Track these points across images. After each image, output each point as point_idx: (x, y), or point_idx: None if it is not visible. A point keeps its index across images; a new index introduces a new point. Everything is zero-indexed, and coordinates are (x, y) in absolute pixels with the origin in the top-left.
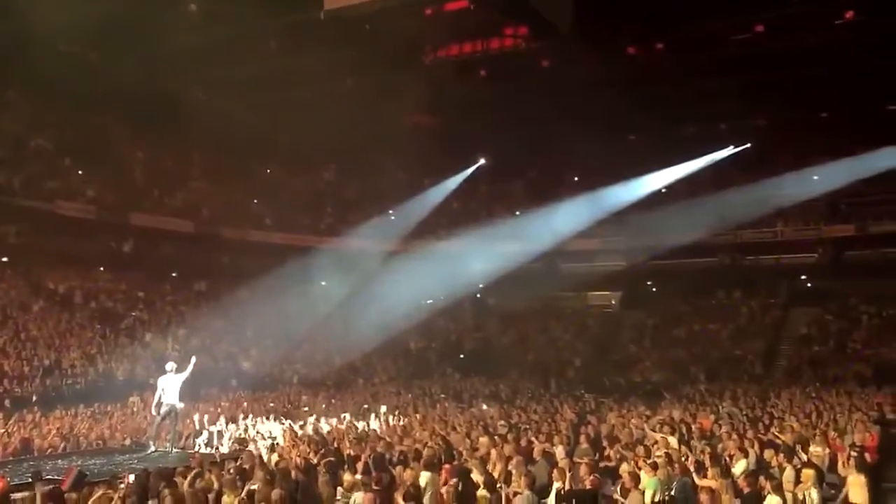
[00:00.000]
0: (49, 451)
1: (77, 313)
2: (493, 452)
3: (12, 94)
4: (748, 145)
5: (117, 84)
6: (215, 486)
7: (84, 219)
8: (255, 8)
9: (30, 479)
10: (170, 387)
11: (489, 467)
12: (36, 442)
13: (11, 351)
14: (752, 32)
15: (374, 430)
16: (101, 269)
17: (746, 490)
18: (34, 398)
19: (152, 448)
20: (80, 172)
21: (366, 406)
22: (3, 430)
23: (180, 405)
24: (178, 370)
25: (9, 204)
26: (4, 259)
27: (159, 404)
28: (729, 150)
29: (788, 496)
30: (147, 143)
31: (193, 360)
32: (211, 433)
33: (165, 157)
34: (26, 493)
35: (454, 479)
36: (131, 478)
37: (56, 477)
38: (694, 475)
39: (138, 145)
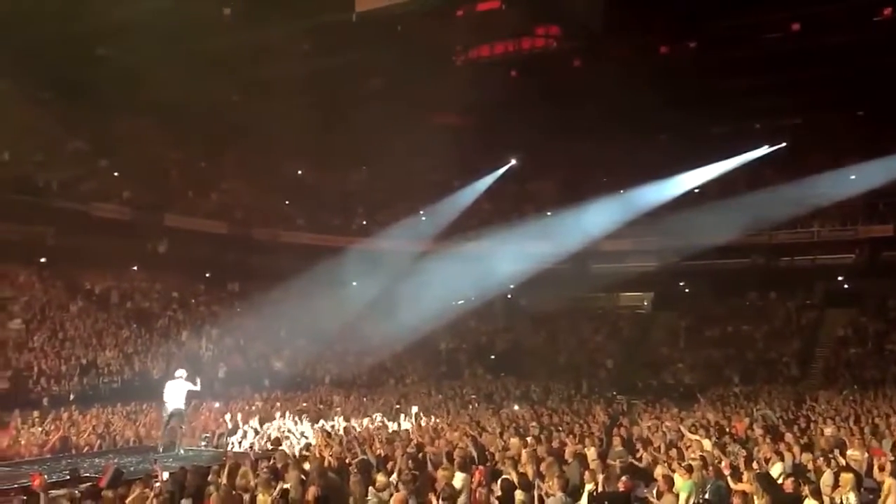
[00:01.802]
0: (86, 448)
1: (113, 313)
2: (524, 454)
3: (50, 96)
4: (783, 144)
5: (152, 86)
6: (250, 484)
7: (119, 220)
8: (287, 10)
9: (68, 477)
10: (176, 392)
11: (521, 468)
12: (73, 440)
13: (49, 350)
14: (788, 30)
15: (406, 431)
16: (137, 269)
17: (788, 491)
18: (71, 396)
19: (180, 450)
20: (115, 174)
21: (397, 406)
22: (41, 429)
23: (184, 408)
24: (187, 379)
25: (46, 205)
26: (42, 260)
27: (165, 409)
28: (763, 150)
29: (826, 500)
30: (181, 144)
31: (199, 381)
32: (244, 432)
33: (199, 158)
34: (64, 491)
35: (486, 482)
36: (165, 475)
37: (93, 474)
38: (729, 478)
39: (172, 147)
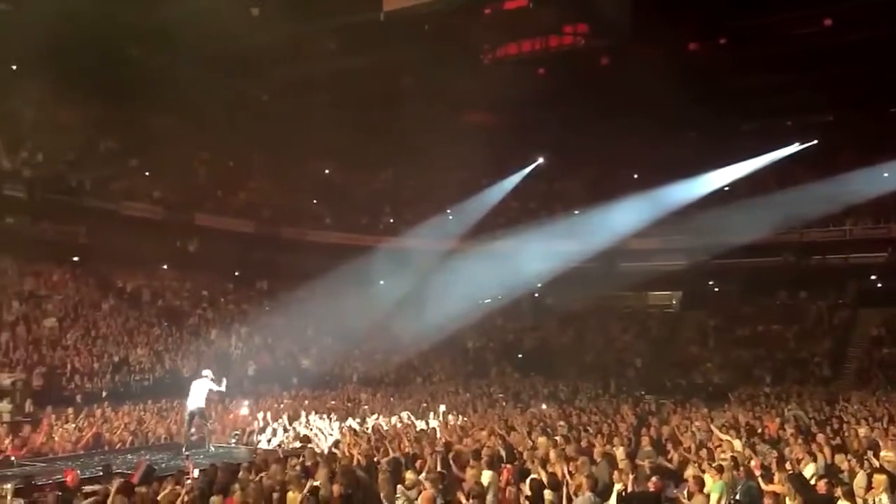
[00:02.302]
0: (119, 445)
1: (144, 311)
2: (552, 453)
3: (81, 97)
4: (814, 142)
5: (181, 86)
6: (279, 482)
7: (150, 219)
8: (315, 9)
9: (101, 473)
10: (199, 390)
11: (549, 467)
12: (106, 436)
13: (82, 348)
14: (819, 26)
15: (434, 429)
16: (167, 268)
17: (821, 493)
18: (104, 394)
19: (210, 447)
20: (146, 174)
21: (424, 405)
22: (74, 425)
23: (203, 406)
24: (213, 379)
25: (78, 205)
26: (75, 259)
27: (186, 407)
28: (794, 147)
29: (859, 502)
30: (210, 144)
31: (225, 382)
32: (274, 430)
33: (228, 158)
34: (98, 487)
35: (515, 481)
36: (196, 472)
37: (126, 471)
38: (760, 479)
39: (202, 147)
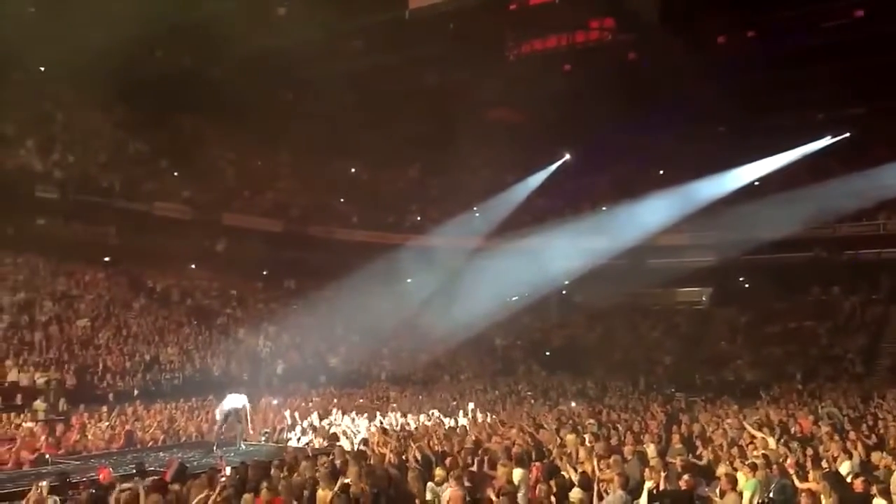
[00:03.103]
0: (151, 443)
1: (174, 310)
2: (582, 450)
3: (112, 100)
4: (847, 135)
5: (209, 87)
6: (309, 479)
7: (179, 219)
8: (341, 8)
9: (134, 471)
10: (233, 401)
11: (579, 465)
12: (138, 434)
13: (114, 347)
14: (851, 17)
15: (463, 427)
16: (196, 267)
17: (858, 491)
18: (135, 392)
19: (241, 445)
20: (175, 174)
21: (453, 403)
22: (107, 423)
23: (240, 408)
24: (245, 401)
25: (110, 206)
26: (106, 259)
27: (222, 408)
28: (826, 141)
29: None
30: (237, 144)
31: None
32: (304, 428)
33: (255, 158)
34: (131, 484)
35: (544, 478)
36: (228, 470)
37: (158, 468)
38: (794, 477)
39: (229, 147)
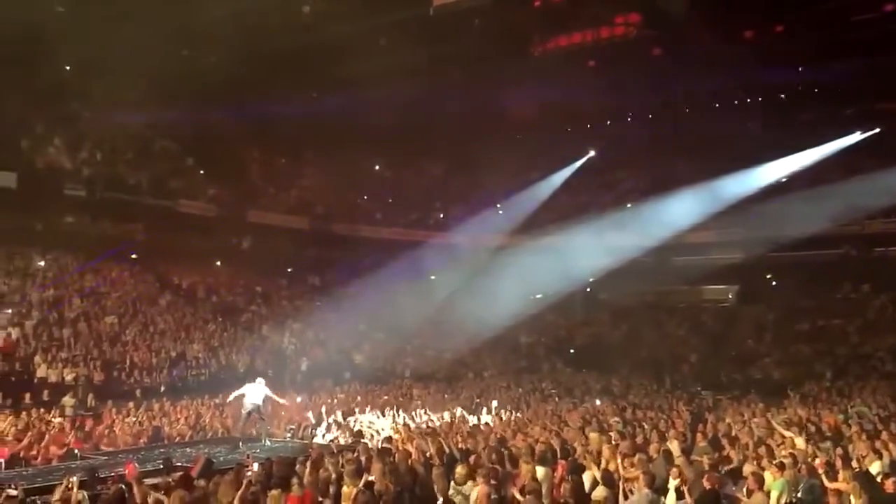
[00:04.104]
0: (177, 438)
1: (200, 307)
2: (606, 449)
3: (139, 98)
4: (876, 130)
5: (234, 86)
6: (333, 476)
7: (205, 216)
8: (365, 7)
9: (161, 466)
10: (254, 392)
11: (602, 464)
12: (165, 430)
13: (141, 343)
14: (879, 11)
15: (487, 425)
16: (221, 264)
17: (890, 491)
18: (162, 388)
19: (266, 441)
20: (201, 172)
21: (477, 400)
22: (135, 419)
23: (262, 405)
24: (266, 386)
25: (137, 203)
26: (133, 256)
27: (244, 405)
28: (855, 136)
29: None
30: (262, 142)
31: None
32: (328, 425)
33: (280, 156)
34: (159, 480)
35: (569, 477)
36: (256, 466)
37: (185, 464)
38: (823, 477)
39: (254, 145)
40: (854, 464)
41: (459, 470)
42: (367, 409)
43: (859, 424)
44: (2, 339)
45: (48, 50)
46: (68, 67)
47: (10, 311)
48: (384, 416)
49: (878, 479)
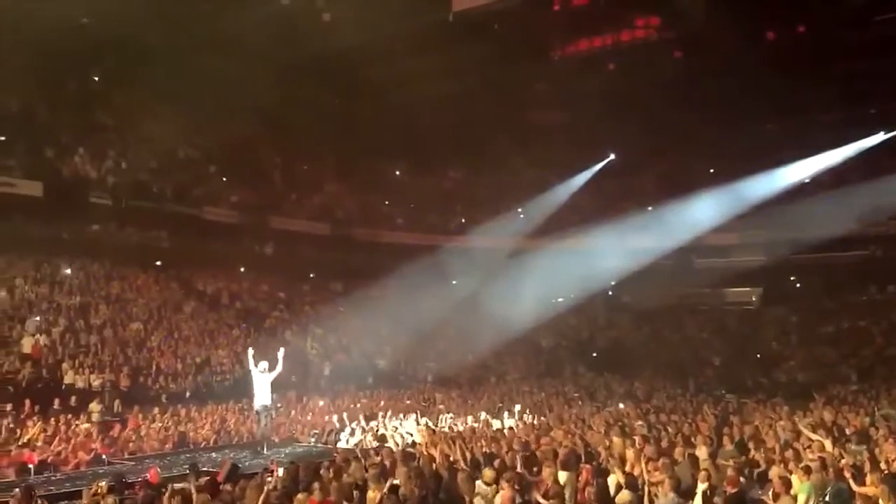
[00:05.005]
0: (203, 444)
1: (224, 313)
2: (630, 453)
3: (163, 106)
4: None
5: (256, 93)
6: (358, 480)
7: (229, 223)
8: (385, 12)
9: (187, 471)
10: (262, 386)
11: (626, 468)
12: (190, 435)
13: (166, 349)
14: None
15: (511, 429)
16: (245, 270)
17: None
18: (187, 394)
19: (264, 448)
20: (224, 179)
21: (500, 405)
22: (160, 424)
23: (270, 403)
24: (270, 369)
25: (161, 210)
26: (158, 263)
27: (254, 406)
28: (879, 136)
29: None
30: (284, 148)
31: (281, 356)
32: (352, 429)
33: (301, 162)
34: (185, 484)
35: (593, 481)
36: (280, 471)
37: (211, 469)
38: (851, 481)
39: (277, 151)
40: (885, 467)
41: (487, 473)
42: (390, 413)
43: (887, 427)
44: (30, 346)
45: (73, 60)
46: (96, 79)
47: (38, 318)
48: (407, 420)
49: None
